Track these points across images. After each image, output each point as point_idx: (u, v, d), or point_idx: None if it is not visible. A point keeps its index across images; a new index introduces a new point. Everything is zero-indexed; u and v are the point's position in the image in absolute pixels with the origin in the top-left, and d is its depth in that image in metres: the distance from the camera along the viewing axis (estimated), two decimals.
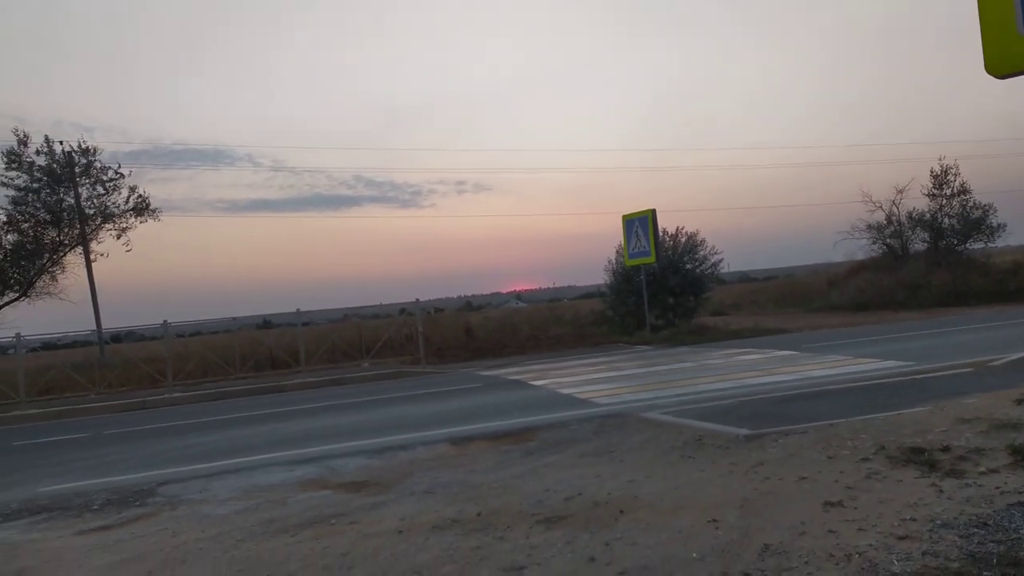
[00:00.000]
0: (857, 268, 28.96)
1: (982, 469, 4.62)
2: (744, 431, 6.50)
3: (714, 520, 4.14)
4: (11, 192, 20.97)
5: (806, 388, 8.90)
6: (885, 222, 29.20)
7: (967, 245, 27.75)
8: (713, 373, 11.29)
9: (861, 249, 29.93)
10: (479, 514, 4.71)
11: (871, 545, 3.53)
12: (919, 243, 28.92)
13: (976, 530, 3.59)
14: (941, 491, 4.27)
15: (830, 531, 3.78)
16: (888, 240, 29.29)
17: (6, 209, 20.48)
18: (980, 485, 4.31)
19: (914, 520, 3.82)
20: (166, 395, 15.31)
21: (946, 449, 5.16)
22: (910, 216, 28.78)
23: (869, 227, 29.31)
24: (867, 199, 30.10)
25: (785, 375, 10.27)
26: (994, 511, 3.83)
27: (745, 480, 4.95)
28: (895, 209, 29.01)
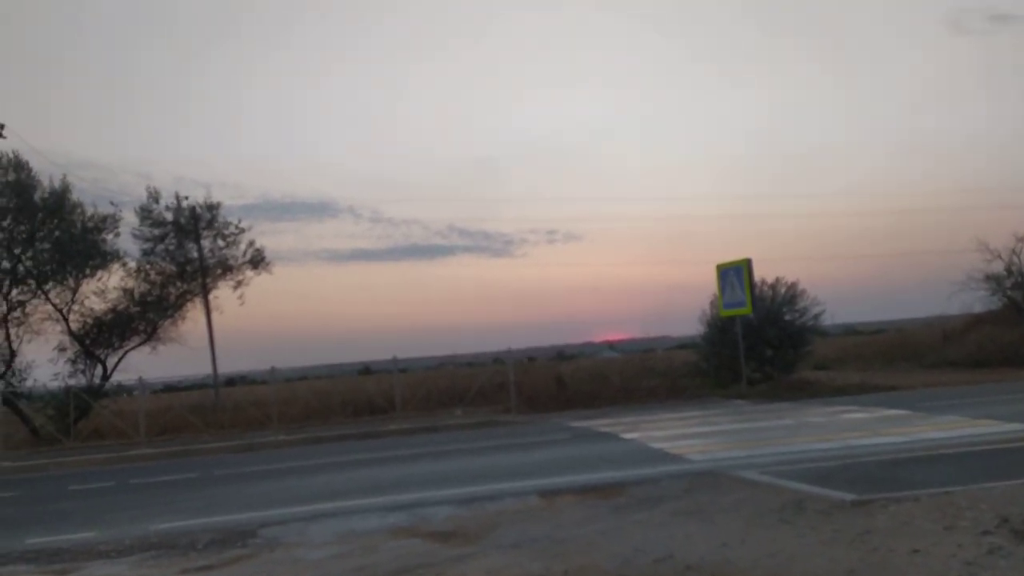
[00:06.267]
0: (975, 322, 26.96)
1: None
2: (850, 496, 6.15)
3: None
4: (143, 244, 22.74)
5: (919, 451, 8.35)
6: (1005, 273, 27.24)
7: None
8: (815, 432, 10.76)
9: (979, 301, 27.92)
10: (565, 572, 4.66)
11: None
12: None
13: None
14: None
15: None
16: (1009, 292, 27.27)
17: (137, 260, 22.19)
18: None
19: None
20: (271, 438, 15.98)
21: None
22: None
23: (987, 278, 27.40)
24: (983, 247, 28.16)
25: (895, 436, 9.66)
26: None
27: (850, 549, 4.67)
28: (1015, 259, 27.04)
